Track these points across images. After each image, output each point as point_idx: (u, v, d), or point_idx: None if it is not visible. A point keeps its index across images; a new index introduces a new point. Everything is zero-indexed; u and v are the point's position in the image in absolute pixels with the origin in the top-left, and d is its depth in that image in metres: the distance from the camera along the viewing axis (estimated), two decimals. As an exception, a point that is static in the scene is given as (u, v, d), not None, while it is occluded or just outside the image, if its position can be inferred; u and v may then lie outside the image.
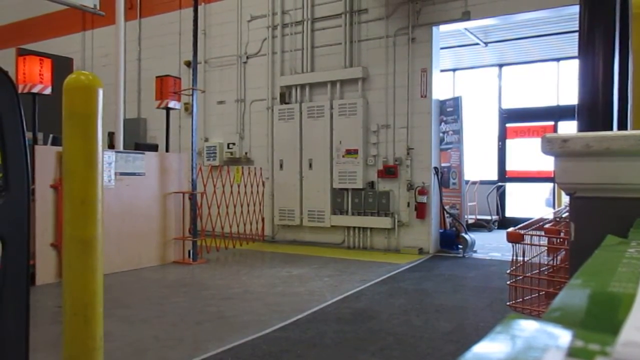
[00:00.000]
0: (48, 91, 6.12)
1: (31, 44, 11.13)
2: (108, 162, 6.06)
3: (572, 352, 0.28)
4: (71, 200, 2.00)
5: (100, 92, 2.06)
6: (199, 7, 7.53)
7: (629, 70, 2.24)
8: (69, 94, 2.02)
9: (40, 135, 6.69)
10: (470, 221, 10.15)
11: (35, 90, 6.00)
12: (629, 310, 0.38)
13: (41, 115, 6.13)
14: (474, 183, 11.13)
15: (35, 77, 5.99)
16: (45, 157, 5.51)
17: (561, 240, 2.51)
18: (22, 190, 1.73)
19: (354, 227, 8.22)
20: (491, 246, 8.53)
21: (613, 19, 2.22)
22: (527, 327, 0.32)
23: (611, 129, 2.19)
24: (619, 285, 0.47)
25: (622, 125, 2.27)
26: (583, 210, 1.12)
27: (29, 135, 5.55)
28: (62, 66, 8.91)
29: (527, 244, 2.55)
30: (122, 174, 6.26)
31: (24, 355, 1.74)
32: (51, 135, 6.99)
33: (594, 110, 2.16)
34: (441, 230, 8.00)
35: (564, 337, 0.31)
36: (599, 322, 0.38)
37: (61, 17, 11.63)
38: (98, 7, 7.09)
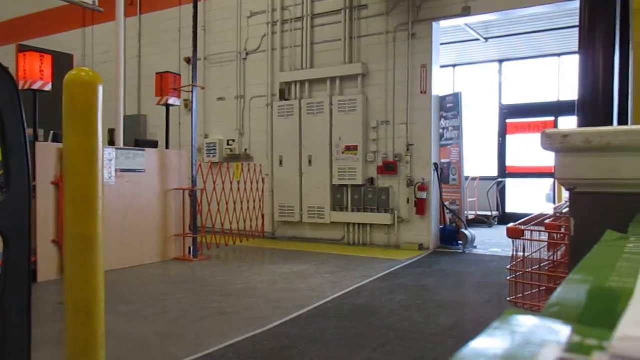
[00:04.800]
0: (48, 88, 6.11)
1: (31, 41, 11.12)
2: (108, 159, 6.06)
3: (569, 347, 0.28)
4: (72, 197, 2.01)
5: (101, 88, 2.06)
6: (199, 4, 7.52)
7: (629, 65, 2.24)
8: (69, 90, 2.02)
9: (41, 132, 6.69)
10: (470, 217, 10.16)
11: (35, 86, 6.00)
12: (627, 305, 0.38)
13: (42, 111, 6.12)
14: (474, 179, 11.13)
15: (36, 74, 5.98)
16: (46, 154, 5.51)
17: (561, 235, 2.51)
18: (23, 187, 1.73)
19: (354, 224, 8.22)
20: (491, 242, 8.53)
21: (614, 13, 2.22)
22: (525, 322, 0.32)
23: (611, 124, 2.19)
24: (618, 280, 0.47)
25: (623, 121, 2.26)
26: (583, 205, 1.12)
27: (29, 131, 5.53)
28: (62, 63, 8.90)
29: (528, 240, 2.55)
30: (122, 170, 6.26)
31: (27, 352, 1.75)
32: (52, 132, 6.98)
33: (594, 105, 2.16)
34: (441, 227, 8.00)
35: (562, 332, 0.31)
36: (597, 317, 0.38)
37: (61, 13, 11.61)
38: (97, 4, 7.07)
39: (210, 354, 3.30)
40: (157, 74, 7.44)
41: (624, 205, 1.04)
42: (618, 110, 2.17)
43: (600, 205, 1.09)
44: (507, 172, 11.66)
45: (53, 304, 4.51)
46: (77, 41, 11.65)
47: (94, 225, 2.01)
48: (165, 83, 7.21)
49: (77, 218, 1.99)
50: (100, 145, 2.05)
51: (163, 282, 5.65)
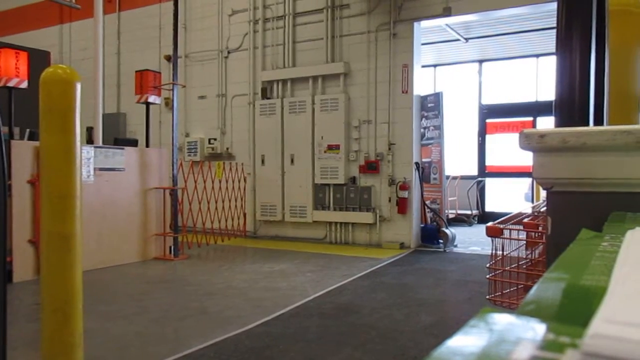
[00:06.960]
0: (24, 85, 6.00)
1: (7, 37, 10.90)
2: (87, 158, 5.97)
3: (543, 345, 0.28)
4: (49, 196, 1.97)
5: (78, 86, 2.03)
6: (180, 1, 7.44)
7: (605, 66, 2.28)
8: (46, 87, 1.98)
9: (16, 130, 6.56)
10: (450, 216, 10.25)
11: (11, 84, 5.88)
12: (600, 303, 0.39)
13: (17, 109, 6.01)
14: (455, 178, 11.24)
15: (11, 71, 5.86)
16: (21, 152, 5.41)
17: (539, 234, 2.55)
18: (-2, 187, 1.70)
19: (336, 223, 8.24)
20: (471, 240, 8.62)
21: (590, 15, 2.25)
22: (501, 320, 0.33)
23: (588, 124, 2.22)
24: (591, 278, 0.48)
25: (599, 121, 2.30)
26: (560, 204, 1.14)
27: (4, 129, 5.43)
28: (39, 60, 8.74)
29: (506, 238, 2.58)
30: (101, 169, 6.18)
31: (1, 353, 1.72)
32: (28, 130, 6.86)
33: (571, 105, 2.19)
34: (422, 225, 8.06)
35: (536, 330, 0.31)
36: (571, 314, 0.39)
37: (38, 9, 11.41)
38: (74, 0, 6.96)
39: (191, 354, 3.28)
40: (136, 71, 7.35)
41: (599, 204, 1.06)
42: (594, 110, 2.21)
43: (576, 204, 1.10)
44: (486, 171, 11.79)
45: (29, 305, 4.43)
46: (54, 38, 11.45)
47: (71, 224, 1.98)
48: (145, 81, 7.13)
49: (54, 217, 1.96)
50: (78, 143, 2.02)
51: (143, 282, 5.59)
